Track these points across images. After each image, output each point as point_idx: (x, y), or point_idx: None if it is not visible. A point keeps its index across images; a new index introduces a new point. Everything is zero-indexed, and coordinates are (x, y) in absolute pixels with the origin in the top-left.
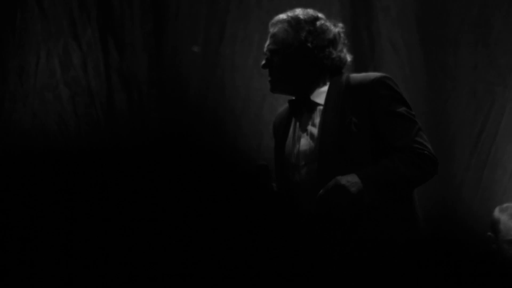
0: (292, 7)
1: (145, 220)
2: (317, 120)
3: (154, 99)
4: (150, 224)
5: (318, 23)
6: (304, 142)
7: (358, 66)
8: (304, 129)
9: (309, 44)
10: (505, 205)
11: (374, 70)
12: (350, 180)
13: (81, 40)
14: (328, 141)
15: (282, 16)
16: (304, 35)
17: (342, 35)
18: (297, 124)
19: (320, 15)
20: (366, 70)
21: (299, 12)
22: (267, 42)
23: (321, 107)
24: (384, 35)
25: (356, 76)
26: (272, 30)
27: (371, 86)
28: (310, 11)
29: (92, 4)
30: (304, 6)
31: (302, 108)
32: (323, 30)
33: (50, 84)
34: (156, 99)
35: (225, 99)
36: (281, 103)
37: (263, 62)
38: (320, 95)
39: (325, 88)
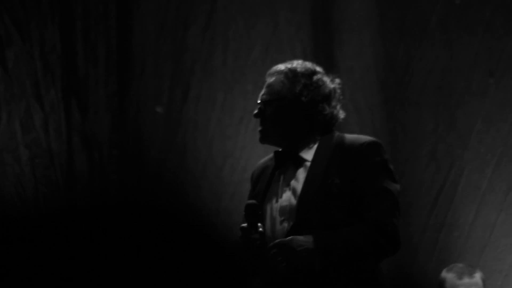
0: (257, 68)
1: (105, 283)
2: (301, 176)
3: (115, 161)
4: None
5: (315, 77)
6: (286, 198)
7: None
8: (287, 184)
9: (303, 98)
10: (452, 265)
11: (337, 130)
12: (303, 243)
13: (44, 101)
14: (307, 199)
15: (280, 66)
16: (299, 88)
17: (338, 91)
18: (281, 177)
19: (318, 69)
20: None
21: (297, 64)
22: (262, 92)
23: (307, 163)
24: (346, 96)
25: (347, 136)
26: (268, 80)
27: (361, 150)
28: (308, 64)
29: (57, 64)
30: (269, 66)
31: (288, 161)
32: (319, 85)
33: (9, 145)
34: (117, 161)
35: (186, 161)
36: (242, 164)
37: (256, 111)
38: (309, 151)
39: (314, 145)
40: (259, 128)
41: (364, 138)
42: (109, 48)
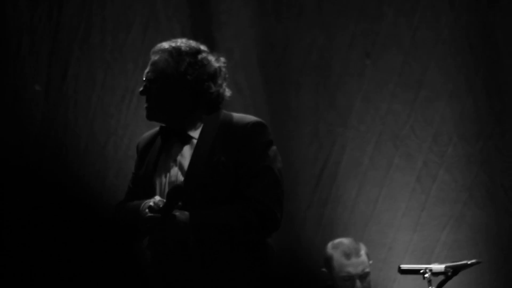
0: (136, 48)
1: None
2: (188, 153)
3: None
4: None
5: (199, 56)
6: (174, 173)
7: None
8: (174, 160)
9: (188, 77)
10: (337, 241)
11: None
12: (180, 218)
13: None
14: (194, 175)
15: (164, 45)
16: (184, 67)
17: (223, 69)
18: (168, 153)
19: (202, 47)
20: None
21: (181, 43)
22: (147, 69)
23: (194, 141)
24: (228, 77)
25: (234, 115)
26: (153, 58)
27: (245, 129)
28: (193, 43)
29: None
30: (148, 46)
31: (174, 138)
32: (204, 64)
33: None
34: None
35: (67, 139)
36: (125, 142)
37: (141, 88)
38: (195, 129)
39: (200, 123)
40: (145, 105)
41: (249, 118)
42: None
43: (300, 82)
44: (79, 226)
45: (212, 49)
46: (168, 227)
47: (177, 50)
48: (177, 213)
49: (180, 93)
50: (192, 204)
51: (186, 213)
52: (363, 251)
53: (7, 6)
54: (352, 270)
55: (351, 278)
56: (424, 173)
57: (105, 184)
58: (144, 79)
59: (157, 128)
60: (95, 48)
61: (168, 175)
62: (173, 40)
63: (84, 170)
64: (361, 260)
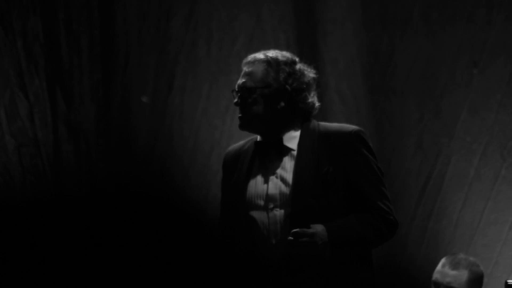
0: (241, 59)
1: (95, 271)
2: (288, 164)
3: (101, 150)
4: (99, 274)
5: (296, 66)
6: (274, 186)
7: None
8: (273, 172)
9: (287, 86)
10: (453, 254)
11: (323, 120)
12: (321, 235)
13: (28, 91)
14: (303, 187)
15: (259, 55)
16: (284, 77)
17: (315, 81)
18: (264, 166)
19: (297, 58)
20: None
21: (277, 53)
22: (242, 80)
23: (293, 152)
24: (331, 87)
25: (329, 125)
26: (247, 68)
27: (349, 138)
28: (287, 54)
29: (40, 55)
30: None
31: (270, 150)
32: (302, 74)
33: None
34: (104, 150)
35: (173, 150)
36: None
37: (236, 99)
38: (291, 140)
39: (296, 133)
40: (239, 115)
41: (350, 126)
42: (92, 38)
43: (405, 91)
44: (182, 237)
45: (317, 58)
46: (309, 242)
47: (275, 60)
48: (319, 228)
49: (279, 103)
50: (303, 217)
51: (321, 226)
52: (465, 270)
53: (117, 18)
54: (439, 277)
55: (437, 285)
56: None
57: (208, 196)
58: (236, 90)
59: (241, 143)
60: (201, 60)
61: (266, 187)
62: (265, 51)
63: (188, 182)
64: (454, 274)
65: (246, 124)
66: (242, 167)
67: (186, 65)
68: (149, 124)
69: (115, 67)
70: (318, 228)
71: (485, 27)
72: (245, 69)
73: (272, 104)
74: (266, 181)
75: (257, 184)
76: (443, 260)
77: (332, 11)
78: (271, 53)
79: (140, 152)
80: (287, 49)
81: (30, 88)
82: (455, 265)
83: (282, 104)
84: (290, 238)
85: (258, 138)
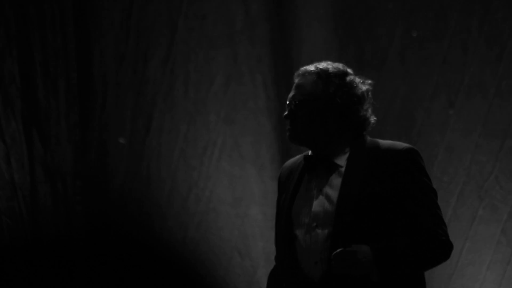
0: (219, 99)
1: None
2: (335, 181)
3: (79, 192)
4: None
5: (347, 78)
6: (319, 203)
7: (284, 157)
8: (319, 189)
9: (337, 99)
10: None
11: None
12: (365, 254)
13: (4, 133)
14: (347, 206)
15: (310, 67)
16: (334, 89)
17: (369, 94)
18: (312, 182)
19: (349, 70)
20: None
21: (328, 65)
22: (292, 93)
23: (341, 169)
24: None
25: (380, 142)
26: (297, 81)
27: (400, 157)
28: (340, 65)
29: (17, 97)
30: (231, 97)
31: (318, 166)
32: (353, 86)
33: None
34: (81, 192)
35: (150, 191)
36: (207, 195)
37: (286, 113)
38: (341, 156)
39: (346, 149)
40: (288, 127)
41: (401, 144)
42: (69, 80)
43: (382, 132)
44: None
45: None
46: (351, 261)
47: (325, 72)
48: (363, 248)
49: (328, 116)
50: (345, 237)
51: (365, 246)
52: None
53: (94, 59)
54: None
55: None
56: (509, 225)
57: (186, 238)
58: (287, 102)
59: (297, 157)
60: (178, 101)
61: (311, 205)
62: (318, 62)
63: (165, 223)
64: None
65: (295, 137)
66: (291, 184)
67: (163, 106)
68: (126, 165)
69: (92, 109)
70: (361, 247)
71: (461, 68)
72: (296, 81)
73: (321, 117)
74: (312, 198)
75: (302, 201)
76: None
77: (309, 53)
78: (322, 65)
79: (117, 193)
80: (264, 90)
81: (6, 130)
82: None
83: (332, 117)
84: (333, 261)
85: (310, 152)
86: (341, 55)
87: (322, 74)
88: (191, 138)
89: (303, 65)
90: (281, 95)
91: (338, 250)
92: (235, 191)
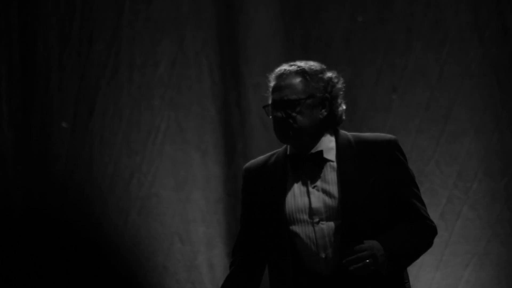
0: (164, 83)
1: None
2: (330, 176)
3: (19, 176)
4: None
5: (328, 73)
6: (317, 199)
7: (229, 141)
8: (313, 185)
9: (327, 95)
10: None
11: (245, 146)
12: (378, 249)
13: None
14: (352, 199)
15: (290, 68)
16: (323, 85)
17: (343, 86)
18: (301, 179)
19: (324, 66)
20: (235, 147)
21: (305, 63)
22: (282, 94)
23: (332, 163)
24: (254, 112)
25: (363, 135)
26: (283, 82)
27: (388, 147)
28: (316, 63)
29: None
30: (176, 81)
31: (306, 162)
32: (335, 82)
33: None
34: (22, 176)
35: (92, 176)
36: (149, 180)
37: (279, 113)
38: (329, 151)
39: (331, 144)
40: (280, 128)
41: (386, 135)
42: (12, 62)
43: None
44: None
45: (239, 84)
46: (368, 257)
47: (309, 69)
48: (375, 242)
49: (321, 112)
50: (355, 229)
51: (375, 241)
52: None
53: (37, 42)
54: None
55: None
56: (448, 209)
57: (128, 221)
58: (274, 104)
59: (265, 156)
60: (123, 85)
61: (308, 201)
62: (291, 62)
63: (108, 207)
64: None
65: (291, 137)
66: (274, 182)
67: (107, 90)
68: (68, 149)
69: (35, 92)
70: (373, 243)
71: (405, 53)
72: (280, 83)
73: (316, 114)
74: (306, 194)
75: (296, 198)
76: None
77: (255, 36)
78: (301, 64)
79: (59, 178)
80: (210, 74)
81: None
82: None
83: (324, 113)
84: (347, 259)
85: (288, 151)
86: (287, 39)
87: (308, 71)
88: (134, 123)
89: (249, 49)
90: (226, 79)
91: (356, 247)
92: (178, 176)
